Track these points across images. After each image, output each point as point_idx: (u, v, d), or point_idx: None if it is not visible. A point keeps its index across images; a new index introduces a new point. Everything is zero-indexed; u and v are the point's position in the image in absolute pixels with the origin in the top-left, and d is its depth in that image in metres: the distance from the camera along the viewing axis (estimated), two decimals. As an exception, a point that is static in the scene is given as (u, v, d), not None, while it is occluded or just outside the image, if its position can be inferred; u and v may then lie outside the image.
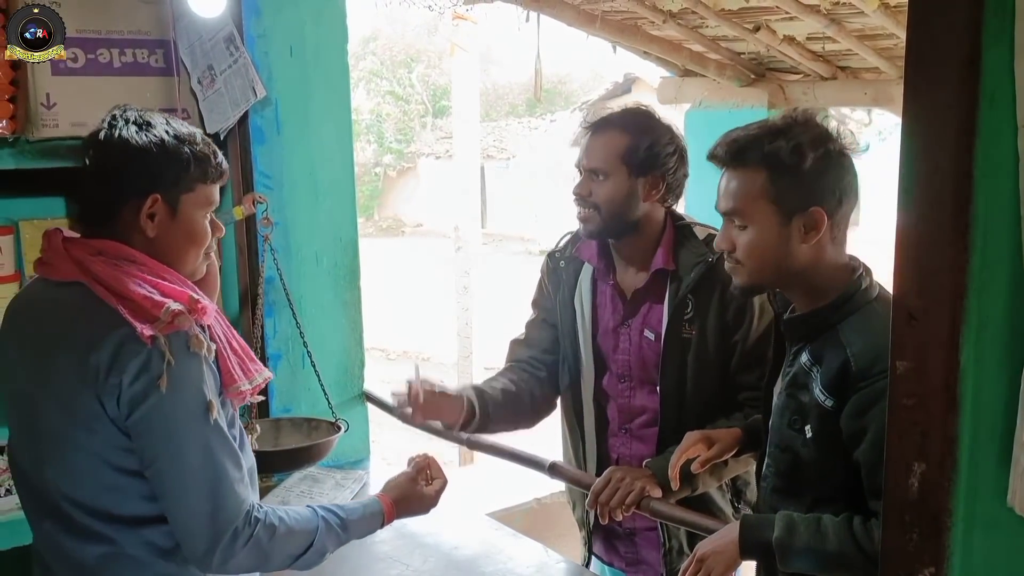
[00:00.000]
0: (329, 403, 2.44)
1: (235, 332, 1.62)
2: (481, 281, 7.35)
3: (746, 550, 1.64)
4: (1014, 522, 1.04)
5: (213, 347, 1.50)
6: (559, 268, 2.26)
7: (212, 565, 1.48)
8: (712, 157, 1.67)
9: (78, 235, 1.57)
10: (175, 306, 1.43)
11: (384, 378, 10.43)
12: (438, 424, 2.28)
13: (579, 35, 3.72)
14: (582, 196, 2.10)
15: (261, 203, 2.41)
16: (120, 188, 1.53)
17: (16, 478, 1.63)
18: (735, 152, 1.63)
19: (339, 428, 2.38)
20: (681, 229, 2.13)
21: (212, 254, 1.68)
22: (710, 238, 2.02)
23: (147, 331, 1.40)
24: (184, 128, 1.57)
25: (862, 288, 1.61)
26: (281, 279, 2.43)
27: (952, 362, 1.02)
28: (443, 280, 11.66)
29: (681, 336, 2.06)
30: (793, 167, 1.57)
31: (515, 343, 2.36)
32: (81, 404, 1.45)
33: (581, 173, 2.12)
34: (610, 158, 2.07)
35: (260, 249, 2.44)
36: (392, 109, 24.24)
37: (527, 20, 3.62)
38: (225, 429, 1.50)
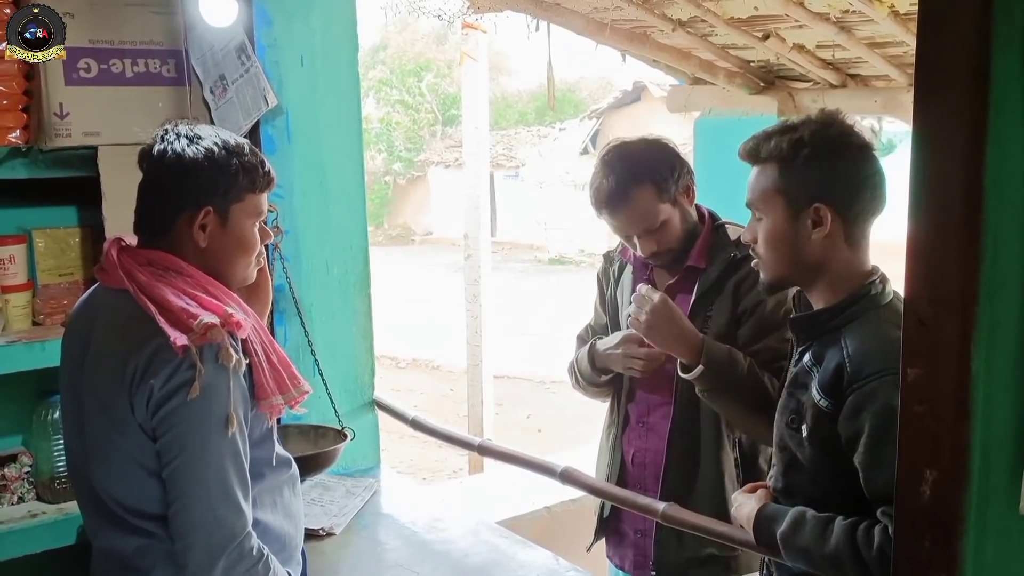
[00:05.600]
0: (335, 411, 2.44)
1: (276, 346, 1.66)
2: (490, 290, 7.34)
3: (758, 538, 1.68)
4: (1026, 529, 1.04)
5: (245, 361, 1.55)
6: (610, 267, 2.37)
7: None
8: (740, 155, 1.73)
9: (135, 244, 1.64)
10: (208, 319, 1.49)
11: (394, 386, 10.38)
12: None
13: (588, 44, 3.73)
14: (653, 253, 2.16)
15: (272, 211, 2.41)
16: (174, 201, 1.59)
17: (69, 471, 1.72)
18: (751, 148, 1.69)
19: (346, 436, 2.38)
20: (718, 230, 2.20)
21: (263, 260, 1.74)
22: (741, 239, 2.10)
23: (180, 341, 1.46)
24: (232, 139, 1.63)
25: (871, 294, 1.62)
26: (291, 287, 2.44)
27: (963, 369, 1.02)
28: (452, 288, 11.67)
29: (700, 331, 2.10)
30: (794, 160, 1.62)
31: (581, 340, 2.44)
32: (117, 408, 1.51)
33: (630, 237, 2.17)
34: (651, 212, 2.12)
35: (270, 257, 2.45)
36: (402, 118, 24.31)
37: (536, 29, 3.62)
38: (242, 447, 1.54)
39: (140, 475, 1.54)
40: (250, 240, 1.66)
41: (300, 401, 1.67)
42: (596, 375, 2.29)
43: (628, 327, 2.22)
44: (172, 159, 1.58)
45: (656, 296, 2.03)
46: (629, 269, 2.31)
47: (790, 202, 1.63)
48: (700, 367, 1.99)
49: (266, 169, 1.66)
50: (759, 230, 1.70)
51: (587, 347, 2.31)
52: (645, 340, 2.11)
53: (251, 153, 1.64)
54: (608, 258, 2.40)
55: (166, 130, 1.61)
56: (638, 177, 2.10)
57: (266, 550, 1.58)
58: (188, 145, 1.58)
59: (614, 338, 2.23)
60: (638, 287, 2.10)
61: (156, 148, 1.60)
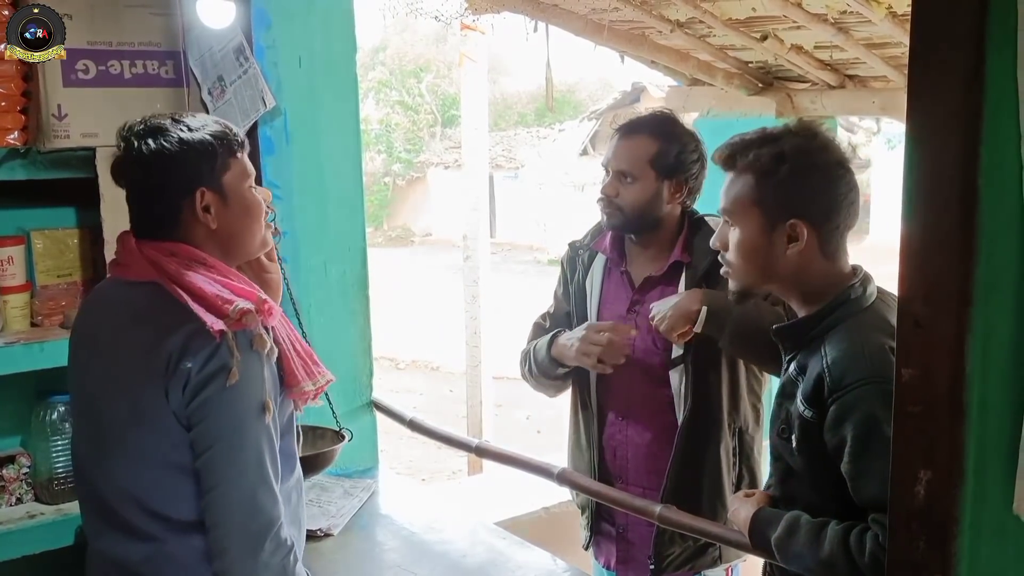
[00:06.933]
0: (333, 412, 2.44)
1: (299, 335, 1.68)
2: (490, 290, 7.35)
3: (753, 542, 1.69)
4: (1021, 530, 1.04)
5: (276, 349, 1.56)
6: (577, 255, 2.37)
7: (246, 571, 1.50)
8: (714, 160, 1.73)
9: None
10: (244, 304, 1.49)
11: (394, 387, 10.35)
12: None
13: (587, 45, 3.73)
14: (609, 196, 2.18)
15: (270, 212, 2.41)
16: (169, 197, 1.58)
17: (76, 475, 1.70)
18: (728, 156, 1.68)
19: (343, 437, 2.37)
20: (695, 223, 2.23)
21: (273, 226, 1.76)
22: None
23: (216, 326, 1.46)
24: (192, 119, 1.61)
25: (851, 299, 1.61)
26: (289, 288, 2.43)
27: (958, 370, 1.03)
28: (452, 289, 11.66)
29: None
30: (774, 174, 1.61)
31: (538, 327, 2.44)
32: (147, 398, 1.50)
33: (608, 172, 2.21)
34: (639, 162, 2.16)
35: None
36: (401, 119, 24.29)
37: (535, 30, 3.62)
38: (275, 435, 1.55)
39: (166, 471, 1.52)
40: (253, 202, 1.66)
41: (323, 390, 1.69)
42: (553, 366, 2.27)
43: (596, 319, 2.26)
44: (143, 160, 1.56)
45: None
46: (601, 259, 2.31)
47: (766, 215, 1.62)
48: (704, 309, 2.00)
49: (234, 131, 1.65)
50: (731, 238, 1.68)
51: (548, 336, 2.29)
52: (606, 330, 2.14)
53: (213, 122, 1.63)
54: (573, 247, 2.39)
55: (125, 137, 1.58)
56: (653, 131, 2.18)
57: (294, 542, 1.58)
58: (155, 141, 1.56)
59: (578, 330, 2.22)
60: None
61: (127, 157, 1.58)
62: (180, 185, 1.58)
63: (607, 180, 2.20)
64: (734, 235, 1.67)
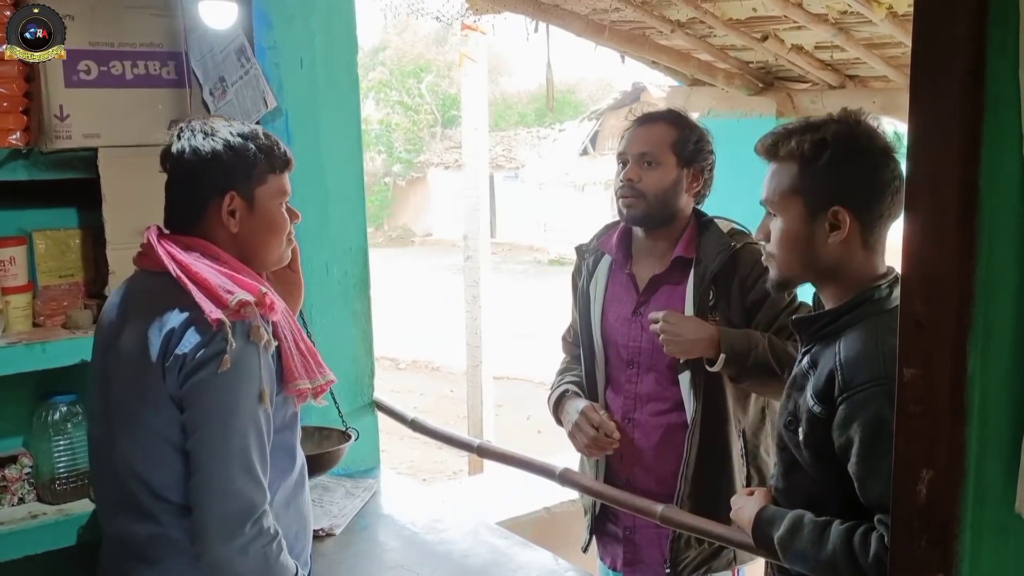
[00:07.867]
0: (340, 412, 2.45)
1: (304, 335, 1.72)
2: (490, 291, 7.35)
3: (757, 541, 1.69)
4: (1022, 529, 1.05)
5: (274, 343, 1.60)
6: (583, 259, 2.39)
7: (223, 555, 1.52)
8: (756, 150, 1.71)
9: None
10: (243, 296, 1.54)
11: (395, 387, 10.31)
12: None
13: (587, 45, 3.73)
14: (631, 181, 2.19)
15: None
16: (199, 192, 1.66)
17: (91, 460, 1.76)
18: (770, 145, 1.67)
19: (350, 437, 2.38)
20: (705, 224, 2.24)
21: (295, 241, 1.80)
22: (733, 231, 2.19)
23: (215, 315, 1.51)
24: (246, 128, 1.69)
25: (874, 299, 1.59)
26: (292, 289, 2.44)
27: (959, 370, 1.03)
28: (452, 290, 11.67)
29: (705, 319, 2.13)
30: (815, 161, 1.59)
31: (565, 342, 2.49)
32: (147, 380, 1.55)
33: (627, 162, 2.22)
34: (662, 146, 2.19)
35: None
36: (402, 119, 24.31)
37: (535, 30, 3.63)
38: (266, 427, 1.57)
39: (166, 451, 1.56)
40: (279, 220, 1.72)
41: (325, 390, 1.71)
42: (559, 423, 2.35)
43: (600, 322, 2.27)
44: (191, 153, 1.64)
45: (659, 314, 2.10)
46: (606, 262, 2.32)
47: (808, 203, 1.61)
48: (723, 356, 2.03)
49: (282, 149, 1.72)
50: (773, 228, 1.67)
51: (558, 393, 2.35)
52: (595, 424, 2.18)
53: (265, 136, 1.70)
54: (580, 252, 2.41)
55: (181, 128, 1.67)
56: (670, 120, 2.23)
57: (279, 531, 1.59)
58: (204, 139, 1.64)
59: (574, 411, 2.25)
60: (651, 314, 2.14)
61: (175, 147, 1.66)
62: (212, 184, 1.64)
63: (627, 168, 2.20)
64: (776, 225, 1.66)
